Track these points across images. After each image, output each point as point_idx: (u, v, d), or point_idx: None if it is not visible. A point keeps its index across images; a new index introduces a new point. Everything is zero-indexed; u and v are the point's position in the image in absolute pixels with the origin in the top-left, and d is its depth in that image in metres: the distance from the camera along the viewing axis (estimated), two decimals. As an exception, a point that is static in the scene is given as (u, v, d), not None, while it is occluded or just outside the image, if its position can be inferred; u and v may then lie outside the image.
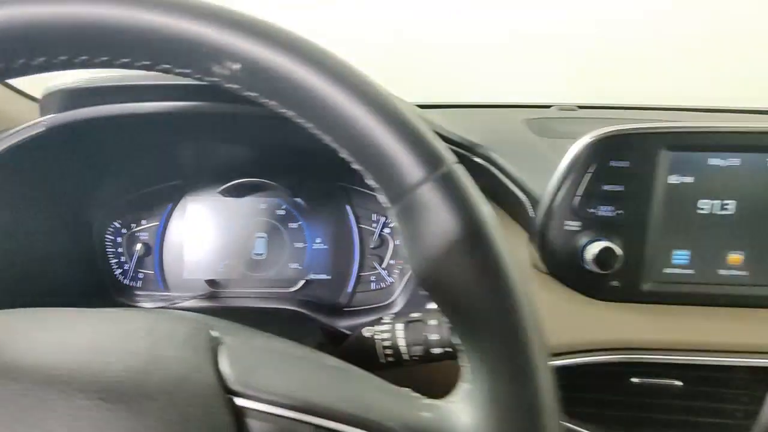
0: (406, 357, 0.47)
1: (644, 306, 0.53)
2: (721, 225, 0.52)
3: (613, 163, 0.51)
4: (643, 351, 0.49)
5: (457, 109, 1.02)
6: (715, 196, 0.52)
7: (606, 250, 0.50)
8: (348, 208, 0.77)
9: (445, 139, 0.65)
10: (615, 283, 0.53)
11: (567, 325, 0.51)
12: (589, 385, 0.51)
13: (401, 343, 0.46)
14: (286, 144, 0.70)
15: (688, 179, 0.52)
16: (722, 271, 0.54)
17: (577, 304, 0.53)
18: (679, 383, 0.49)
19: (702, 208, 0.52)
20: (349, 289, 0.77)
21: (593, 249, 0.51)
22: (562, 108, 0.94)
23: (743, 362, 0.50)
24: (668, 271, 0.54)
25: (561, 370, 0.50)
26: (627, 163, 0.50)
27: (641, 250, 0.52)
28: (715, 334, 0.50)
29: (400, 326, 0.47)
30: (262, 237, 0.77)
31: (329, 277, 0.77)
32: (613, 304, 0.53)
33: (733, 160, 0.51)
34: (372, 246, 0.77)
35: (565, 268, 0.54)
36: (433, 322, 0.47)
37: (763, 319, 0.52)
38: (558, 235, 0.53)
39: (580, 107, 0.97)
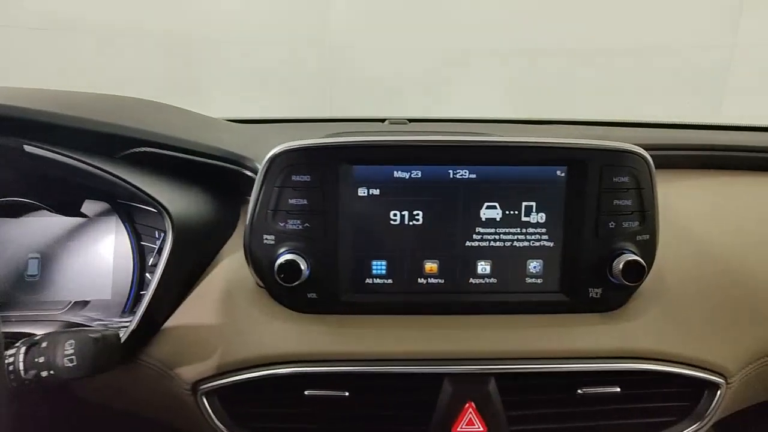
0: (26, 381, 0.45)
1: (348, 317, 0.54)
2: (413, 235, 0.54)
3: (295, 178, 0.52)
4: (312, 363, 0.49)
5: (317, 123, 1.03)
6: (404, 208, 0.54)
7: (288, 264, 0.51)
8: (126, 225, 0.76)
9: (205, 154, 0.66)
10: (312, 295, 0.54)
11: (256, 339, 0.51)
12: (268, 400, 0.51)
13: (20, 366, 0.45)
14: (56, 161, 0.69)
15: (375, 192, 0.54)
16: (421, 280, 0.55)
17: (278, 318, 0.53)
18: (346, 394, 0.49)
19: (394, 219, 0.54)
20: (127, 308, 0.75)
21: (279, 262, 0.52)
22: (393, 122, 0.97)
23: (417, 369, 0.51)
24: (369, 281, 0.55)
25: (237, 387, 0.50)
26: (308, 177, 0.51)
27: (334, 262, 0.53)
28: (402, 343, 0.51)
29: (23, 348, 0.46)
30: (35, 258, 0.75)
31: (108, 298, 0.76)
32: (314, 317, 0.53)
33: (416, 173, 0.54)
34: (151, 263, 0.76)
35: (267, 282, 0.54)
36: (44, 344, 0.46)
37: (450, 327, 0.53)
38: (258, 250, 0.53)
39: (411, 120, 1.00)
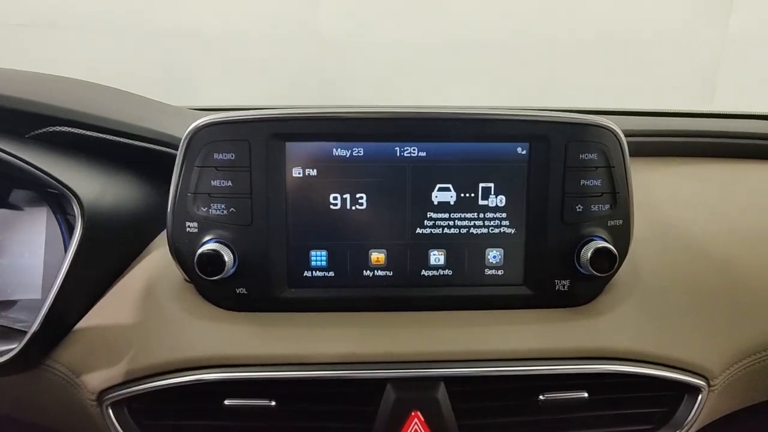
0: None
1: (282, 315, 0.48)
2: (357, 222, 0.48)
3: (217, 156, 0.45)
4: (231, 368, 0.43)
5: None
6: (345, 190, 0.47)
7: (209, 254, 0.44)
8: (58, 217, 0.69)
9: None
10: (241, 290, 0.47)
11: (171, 342, 0.45)
12: (183, 411, 0.45)
13: None
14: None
15: (312, 172, 0.47)
16: (366, 272, 0.49)
17: (202, 317, 0.47)
18: (272, 403, 0.43)
19: (334, 204, 0.48)
20: (59, 308, 0.69)
21: (199, 252, 0.45)
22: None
23: (354, 374, 0.44)
24: (307, 274, 0.49)
25: (148, 396, 0.44)
26: (232, 155, 0.45)
27: (265, 253, 0.47)
28: (338, 344, 0.45)
29: None
30: (-43, 254, 0.69)
31: (38, 297, 0.69)
32: (244, 316, 0.47)
33: (358, 150, 0.47)
34: (85, 259, 0.70)
35: (191, 276, 0.48)
36: None
37: (395, 325, 0.47)
38: (180, 239, 0.47)
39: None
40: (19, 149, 0.49)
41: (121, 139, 0.57)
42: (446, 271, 0.49)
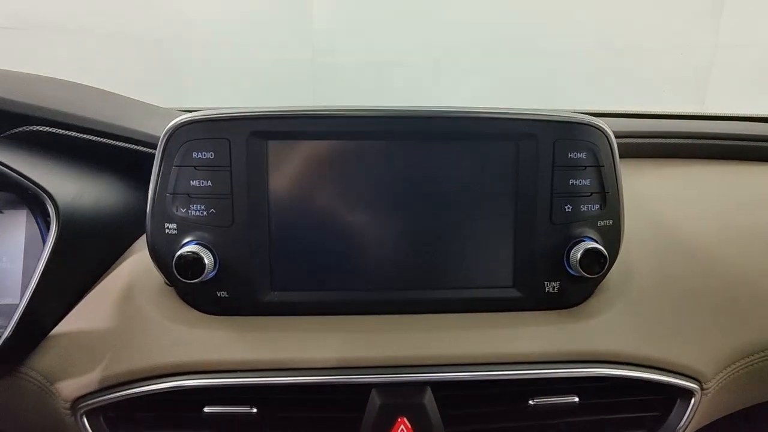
0: None
1: (264, 319, 0.46)
2: (342, 222, 0.46)
3: (196, 155, 0.44)
4: (210, 374, 0.41)
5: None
6: (330, 190, 0.46)
7: (187, 257, 0.43)
8: (38, 220, 0.68)
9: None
10: (222, 293, 0.46)
11: (148, 347, 0.43)
12: (161, 420, 0.43)
13: None
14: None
15: (295, 171, 0.46)
16: (352, 275, 0.47)
17: (181, 322, 0.45)
18: (253, 410, 0.42)
19: (318, 204, 0.46)
20: (39, 314, 0.67)
21: (178, 254, 0.44)
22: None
23: (338, 379, 0.43)
24: (291, 277, 0.47)
25: (124, 404, 0.42)
26: (211, 154, 0.44)
27: (247, 255, 0.45)
28: (320, 349, 0.43)
29: None
30: (-69, 258, 0.67)
31: (16, 302, 0.67)
32: (225, 320, 0.45)
33: (342, 150, 0.46)
34: (67, 263, 0.68)
35: (171, 279, 0.46)
36: None
37: (380, 329, 0.46)
38: (159, 241, 0.45)
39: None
40: None
41: (101, 139, 0.56)
42: (434, 273, 0.48)
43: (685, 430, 0.45)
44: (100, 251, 0.52)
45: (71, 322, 0.47)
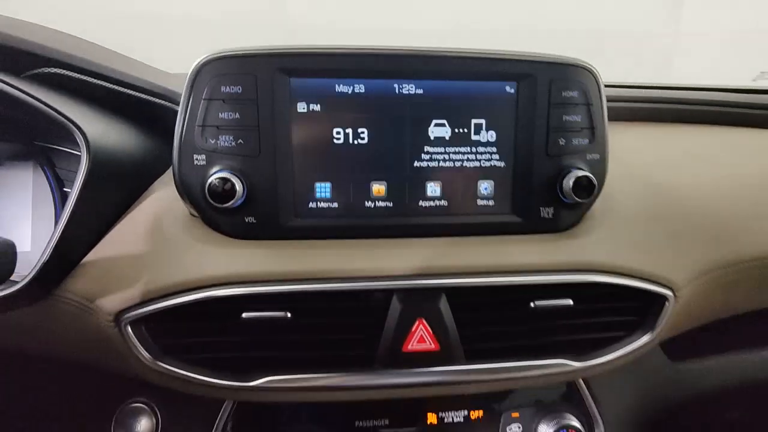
0: None
1: (290, 242, 0.50)
2: (359, 155, 0.51)
3: (225, 89, 0.47)
4: (249, 284, 0.45)
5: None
6: (348, 125, 0.50)
7: (220, 182, 0.46)
8: (46, 170, 0.69)
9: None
10: (251, 219, 0.49)
11: (186, 264, 0.47)
12: (202, 327, 0.47)
13: None
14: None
15: (316, 107, 0.50)
16: (368, 203, 0.52)
17: (212, 243, 0.49)
18: (287, 315, 0.46)
19: (337, 138, 0.51)
20: (50, 261, 0.68)
21: (210, 181, 0.47)
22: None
23: (364, 286, 0.47)
24: (312, 205, 0.52)
25: (166, 315, 0.46)
26: (239, 88, 0.47)
27: (273, 184, 0.49)
28: (348, 261, 0.48)
29: None
30: (-60, 207, 0.67)
31: (27, 250, 0.68)
32: (252, 242, 0.49)
33: (359, 87, 0.50)
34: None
35: (200, 208, 0.50)
36: None
37: (398, 246, 0.50)
38: (189, 172, 0.48)
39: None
40: (19, 85, 0.49)
41: (115, 87, 0.58)
42: (442, 202, 0.53)
43: (661, 330, 0.52)
44: (126, 186, 0.54)
45: (104, 249, 0.50)
